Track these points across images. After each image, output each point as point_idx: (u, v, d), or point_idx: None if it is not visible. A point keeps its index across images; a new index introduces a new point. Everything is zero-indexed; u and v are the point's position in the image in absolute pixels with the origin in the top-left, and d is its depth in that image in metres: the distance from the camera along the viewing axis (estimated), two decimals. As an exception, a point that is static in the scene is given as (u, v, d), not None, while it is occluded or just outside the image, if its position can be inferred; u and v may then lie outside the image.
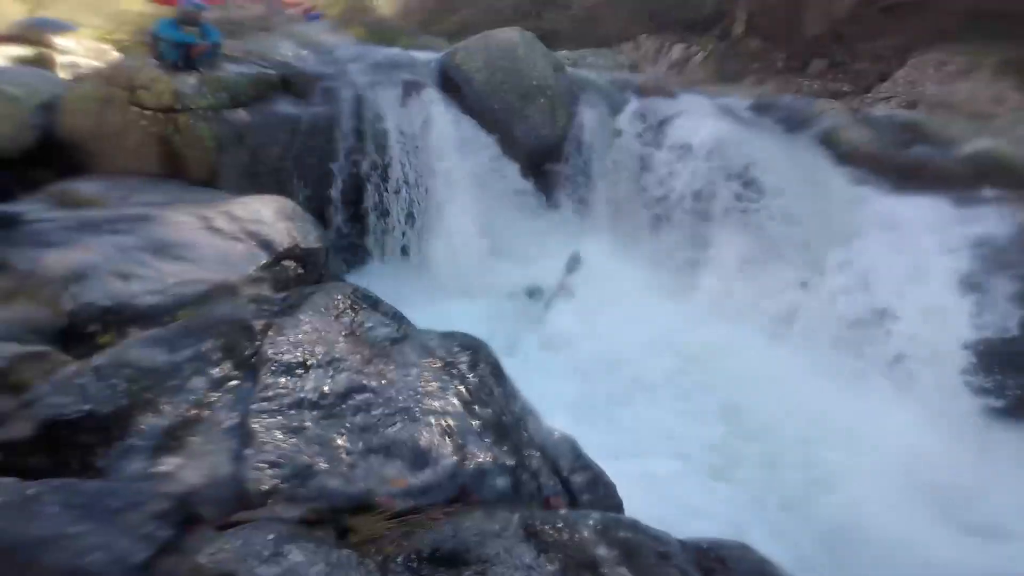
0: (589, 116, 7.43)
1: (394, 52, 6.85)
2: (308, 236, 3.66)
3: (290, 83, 5.68)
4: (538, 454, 2.17)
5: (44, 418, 1.63)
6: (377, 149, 5.72)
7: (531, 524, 1.68)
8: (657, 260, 6.37)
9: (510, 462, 2.01)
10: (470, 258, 6.04)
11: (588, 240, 6.69)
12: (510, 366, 2.52)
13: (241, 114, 5.06)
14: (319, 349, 2.20)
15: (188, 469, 1.69)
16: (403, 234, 6.02)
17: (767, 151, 6.21)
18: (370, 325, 2.44)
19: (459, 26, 15.82)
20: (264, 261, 3.16)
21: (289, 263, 3.37)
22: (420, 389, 2.12)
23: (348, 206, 5.66)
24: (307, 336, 2.24)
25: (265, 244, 3.31)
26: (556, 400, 3.70)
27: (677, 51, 10.51)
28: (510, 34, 7.47)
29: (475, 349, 2.41)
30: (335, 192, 5.50)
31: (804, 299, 5.56)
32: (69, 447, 1.65)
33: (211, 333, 2.09)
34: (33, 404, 1.76)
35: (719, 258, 6.09)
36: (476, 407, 2.13)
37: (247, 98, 5.20)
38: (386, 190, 5.79)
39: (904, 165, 6.36)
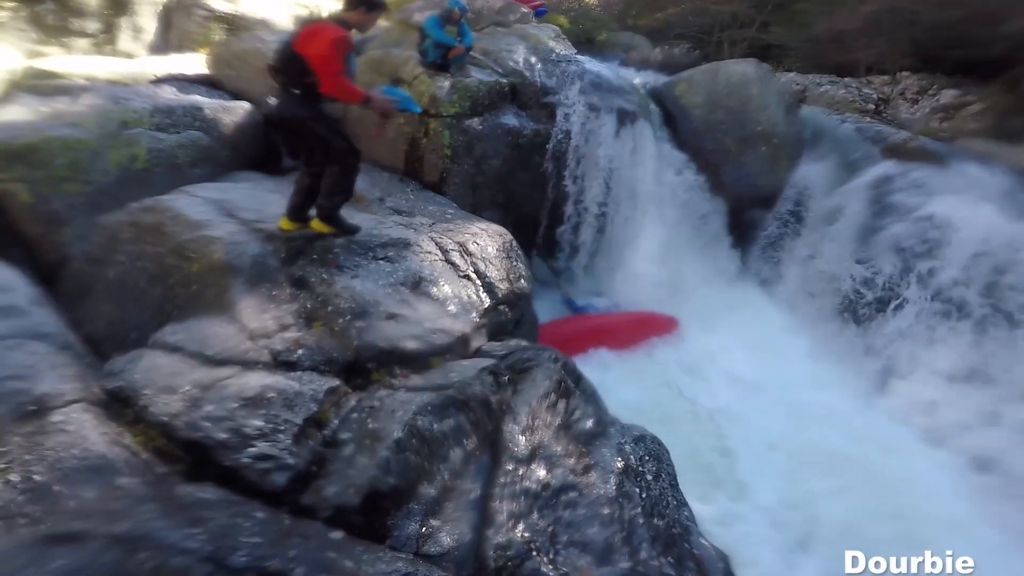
0: (813, 171, 6.71)
1: (614, 72, 6.76)
2: (520, 280, 3.97)
3: (517, 93, 5.85)
4: (694, 567, 2.51)
5: (367, 490, 2.09)
6: (585, 175, 5.79)
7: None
8: (846, 357, 5.71)
9: (671, 572, 2.38)
10: (646, 294, 5.96)
11: (768, 311, 6.28)
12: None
13: (475, 123, 5.36)
14: (540, 439, 2.61)
15: (443, 534, 2.10)
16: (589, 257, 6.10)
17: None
18: (576, 417, 2.83)
19: (662, 23, 14.90)
20: (487, 306, 3.48)
21: (503, 307, 3.67)
22: (613, 495, 2.50)
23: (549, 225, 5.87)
24: (529, 423, 2.64)
25: (489, 288, 3.65)
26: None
27: (947, 96, 8.76)
28: (744, 68, 6.97)
29: (659, 458, 2.81)
30: (543, 212, 5.69)
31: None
32: (377, 512, 2.10)
33: (466, 407, 2.51)
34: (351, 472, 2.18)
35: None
36: (654, 519, 2.52)
37: (483, 108, 5.46)
38: (583, 218, 5.88)
39: None
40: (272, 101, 3.00)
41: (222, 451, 2.09)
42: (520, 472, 2.39)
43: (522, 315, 3.91)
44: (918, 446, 4.72)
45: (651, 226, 6.05)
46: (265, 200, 3.93)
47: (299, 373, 2.55)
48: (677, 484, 2.75)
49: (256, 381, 2.41)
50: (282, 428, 2.21)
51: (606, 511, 2.38)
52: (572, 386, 2.92)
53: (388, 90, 3.24)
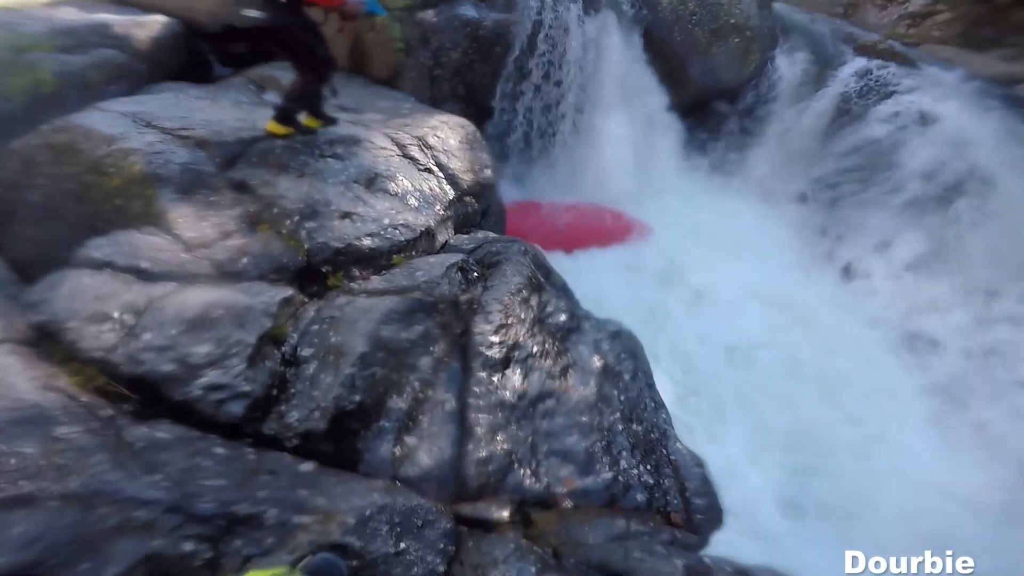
0: (785, 64, 6.50)
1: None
2: (485, 170, 3.66)
3: (474, -20, 5.31)
4: (671, 473, 2.43)
5: (333, 412, 1.89)
6: (551, 65, 5.37)
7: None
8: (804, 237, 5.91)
9: (650, 480, 2.31)
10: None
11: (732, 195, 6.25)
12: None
13: (430, 15, 4.86)
14: (514, 337, 2.41)
15: (422, 452, 1.93)
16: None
17: (1002, 161, 5.23)
18: (549, 311, 2.64)
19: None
20: (451, 198, 3.20)
21: (469, 199, 3.40)
22: (592, 401, 2.37)
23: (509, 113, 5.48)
24: (503, 321, 2.43)
25: (452, 180, 3.34)
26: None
27: (917, 3, 8.58)
28: (717, -48, 6.40)
29: (635, 356, 2.67)
30: (500, 103, 5.32)
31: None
32: (346, 434, 1.91)
33: (434, 310, 2.29)
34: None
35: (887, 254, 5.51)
36: (633, 424, 2.41)
37: None
38: (551, 108, 5.51)
39: None
40: (251, 13, 2.87)
41: (170, 384, 1.86)
42: (495, 379, 2.21)
43: (488, 205, 3.65)
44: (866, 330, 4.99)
45: (617, 120, 5.70)
46: (192, 107, 3.46)
47: (246, 284, 2.26)
48: (654, 383, 2.63)
49: (198, 298, 2.12)
50: (234, 351, 1.97)
51: (585, 419, 2.26)
52: (542, 280, 2.74)
53: None
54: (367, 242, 2.57)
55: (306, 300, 2.33)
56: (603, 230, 5.18)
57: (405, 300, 2.28)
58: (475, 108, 5.17)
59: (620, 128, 5.53)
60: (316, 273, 2.46)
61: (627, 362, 2.58)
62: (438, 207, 3.05)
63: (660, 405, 2.59)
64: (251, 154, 2.97)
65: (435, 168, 3.32)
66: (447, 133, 3.67)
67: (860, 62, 6.40)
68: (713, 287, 4.98)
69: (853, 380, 4.44)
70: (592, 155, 5.59)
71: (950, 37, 8.14)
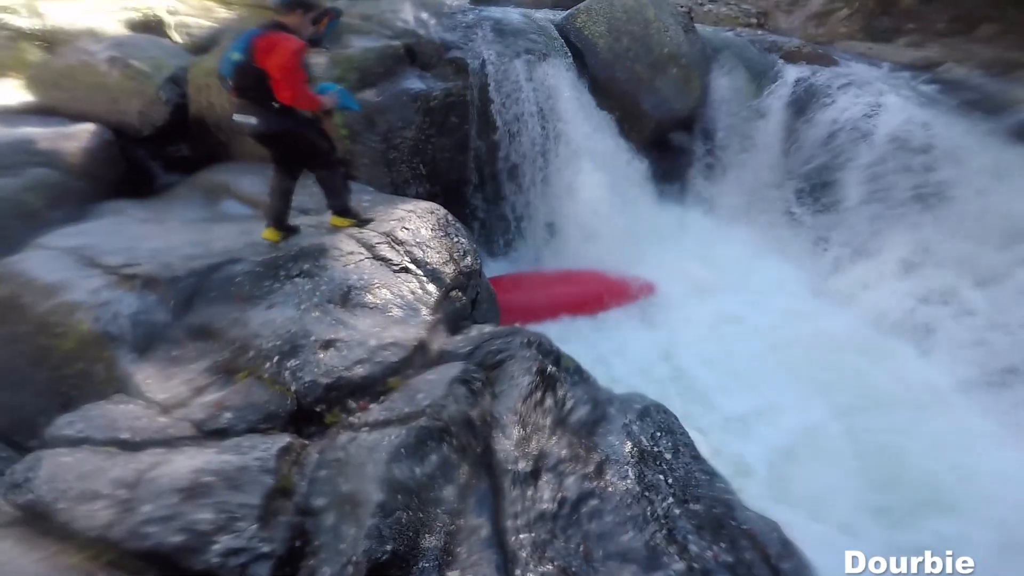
0: (725, 85, 6.65)
1: (514, 16, 6.20)
2: (466, 256, 3.48)
3: (416, 54, 5.25)
4: (749, 545, 2.21)
5: (367, 565, 1.72)
6: (513, 125, 5.33)
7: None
8: (797, 255, 5.87)
9: (729, 559, 2.10)
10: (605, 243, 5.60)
11: (709, 222, 6.24)
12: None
13: (371, 95, 4.75)
14: (538, 447, 2.25)
15: None
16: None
17: (954, 141, 5.37)
18: (569, 407, 2.48)
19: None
20: (436, 297, 3.01)
21: (455, 293, 3.22)
22: (638, 492, 2.18)
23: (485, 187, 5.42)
24: (522, 433, 2.27)
25: (433, 276, 3.16)
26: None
27: (816, 4, 9.12)
28: (636, -9, 6.58)
29: (671, 430, 2.50)
30: (474, 176, 5.22)
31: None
32: None
33: (446, 434, 2.11)
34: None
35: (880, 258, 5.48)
36: (690, 504, 2.22)
37: (376, 77, 4.84)
38: (522, 173, 5.45)
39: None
40: (245, 119, 2.89)
41: (185, 555, 1.69)
42: (528, 493, 2.03)
43: (477, 293, 3.46)
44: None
45: (587, 171, 5.64)
46: (137, 234, 3.29)
47: (235, 441, 2.08)
48: (699, 454, 2.45)
49: (185, 465, 1.94)
50: (239, 515, 1.78)
51: (636, 511, 2.07)
52: (554, 370, 2.56)
53: (323, 87, 3.27)
54: (358, 371, 2.36)
55: (306, 443, 2.14)
56: (600, 293, 5.01)
57: (412, 430, 2.09)
58: (441, 186, 5.05)
59: (591, 178, 5.47)
60: (310, 413, 2.27)
61: (664, 439, 2.41)
62: (424, 312, 2.86)
63: (714, 474, 2.41)
64: (209, 288, 2.77)
65: (411, 266, 3.14)
66: (416, 223, 3.50)
67: (792, 70, 6.62)
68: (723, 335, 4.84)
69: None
70: (568, 210, 5.50)
71: (855, 32, 8.72)
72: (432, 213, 3.65)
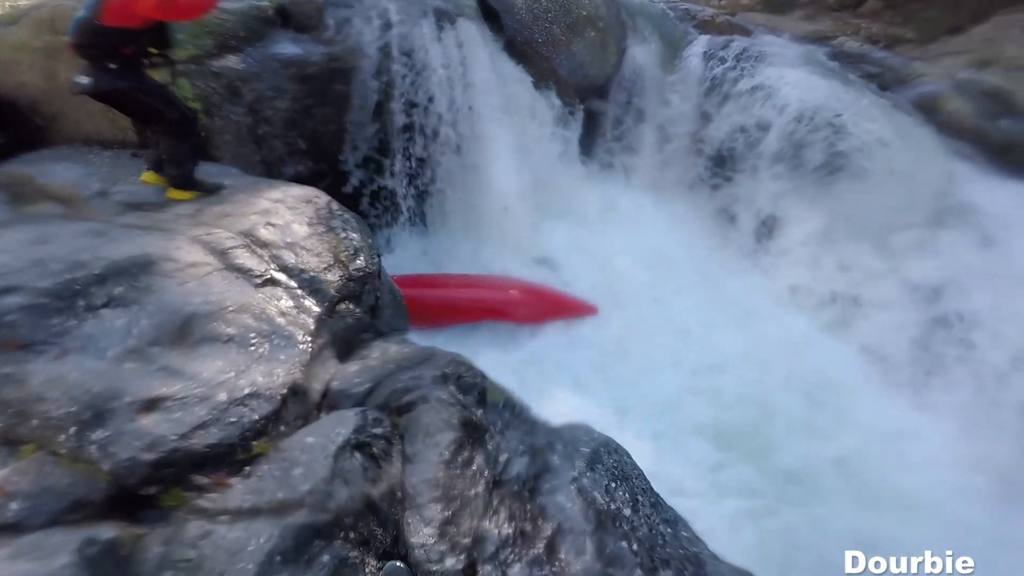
0: (641, 52, 6.39)
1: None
2: (358, 255, 2.72)
3: (290, 15, 4.39)
4: None
5: None
6: (413, 96, 4.60)
7: None
8: (706, 220, 5.93)
9: None
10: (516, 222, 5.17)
11: (629, 193, 6.07)
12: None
13: (234, 62, 3.85)
14: (469, 530, 1.68)
15: None
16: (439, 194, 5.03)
17: (864, 112, 5.42)
18: (503, 461, 1.93)
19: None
20: (317, 314, 2.29)
21: (344, 305, 2.50)
22: (599, 569, 1.69)
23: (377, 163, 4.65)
24: (447, 513, 1.68)
25: (311, 286, 2.41)
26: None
27: None
28: (549, -51, 6.05)
29: (625, 476, 2.04)
30: (362, 153, 4.46)
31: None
32: None
33: (338, 528, 1.50)
34: None
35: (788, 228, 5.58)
36: (660, 571, 1.78)
37: (240, 41, 3.97)
38: (425, 147, 4.76)
39: (998, 142, 5.73)
40: (83, 80, 2.69)
41: None
42: None
43: (376, 299, 2.74)
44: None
45: (505, 143, 5.04)
46: None
47: (32, 538, 1.36)
48: (657, 498, 1.99)
49: None
50: None
51: None
52: (480, 415, 1.99)
53: None
54: (201, 438, 1.63)
55: (141, 533, 1.47)
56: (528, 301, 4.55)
57: (289, 530, 1.44)
58: (328, 162, 4.28)
59: (509, 152, 4.94)
60: (137, 496, 1.56)
61: (620, 491, 1.93)
62: (301, 339, 2.11)
63: (676, 522, 1.99)
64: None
65: (280, 276, 2.35)
66: (287, 216, 2.69)
67: (705, 39, 6.54)
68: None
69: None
70: (481, 187, 4.92)
71: (754, 3, 9.05)
72: (309, 202, 2.84)
